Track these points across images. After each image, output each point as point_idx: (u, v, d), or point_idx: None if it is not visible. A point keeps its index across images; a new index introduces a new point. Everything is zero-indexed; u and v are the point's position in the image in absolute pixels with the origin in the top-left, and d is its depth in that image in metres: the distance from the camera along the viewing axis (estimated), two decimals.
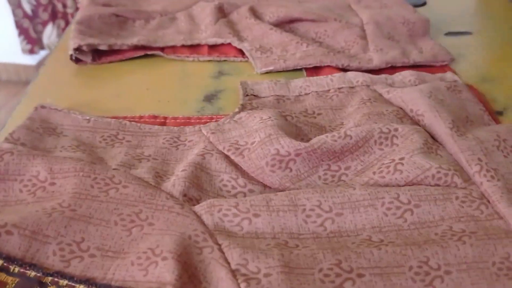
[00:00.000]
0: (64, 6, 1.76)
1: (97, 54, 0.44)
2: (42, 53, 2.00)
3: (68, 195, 0.26)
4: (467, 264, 0.23)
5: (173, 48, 0.46)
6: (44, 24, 1.85)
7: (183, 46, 0.46)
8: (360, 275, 0.23)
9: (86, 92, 0.41)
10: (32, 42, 1.89)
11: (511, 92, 0.41)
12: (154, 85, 0.42)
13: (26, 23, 1.84)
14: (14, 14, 1.80)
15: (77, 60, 0.44)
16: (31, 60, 1.99)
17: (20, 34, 1.85)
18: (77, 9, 1.75)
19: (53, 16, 1.84)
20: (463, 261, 0.24)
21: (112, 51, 0.45)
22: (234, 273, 0.22)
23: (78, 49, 0.43)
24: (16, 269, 0.23)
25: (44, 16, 1.83)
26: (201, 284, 0.22)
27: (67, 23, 1.79)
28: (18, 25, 1.83)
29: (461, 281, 0.23)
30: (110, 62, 0.44)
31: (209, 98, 0.40)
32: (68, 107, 0.36)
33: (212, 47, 0.46)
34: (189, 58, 0.45)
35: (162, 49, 0.46)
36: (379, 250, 0.24)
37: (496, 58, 0.47)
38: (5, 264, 0.23)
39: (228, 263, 0.23)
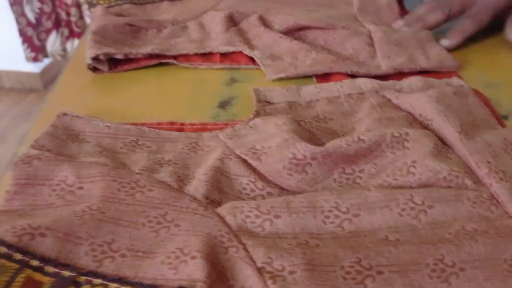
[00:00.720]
0: (68, 14, 1.78)
1: (113, 62, 0.46)
2: (46, 61, 2.02)
3: (96, 199, 0.27)
4: (480, 261, 0.25)
5: (186, 56, 0.47)
6: (48, 32, 1.87)
7: (195, 54, 0.47)
8: (379, 272, 0.24)
9: (103, 100, 0.42)
10: (36, 50, 1.90)
11: None
12: (169, 92, 0.43)
13: (29, 31, 1.86)
14: (18, 22, 1.82)
15: (94, 69, 0.45)
16: (34, 68, 2.01)
17: (23, 42, 1.87)
18: (81, 17, 1.77)
19: (57, 24, 1.86)
20: (476, 258, 0.25)
21: (127, 60, 0.46)
22: (260, 270, 0.23)
23: (95, 58, 0.44)
24: (51, 269, 0.24)
25: (48, 24, 1.85)
26: (228, 282, 0.24)
27: (71, 31, 1.81)
28: (22, 33, 1.85)
29: (475, 277, 0.24)
30: (126, 70, 0.46)
31: (223, 104, 0.41)
32: (88, 114, 0.37)
33: (224, 55, 0.48)
34: (202, 66, 0.47)
35: (175, 57, 0.47)
36: (396, 249, 0.25)
37: (500, 64, 0.48)
38: (40, 264, 0.24)
39: (254, 262, 0.24)
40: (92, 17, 0.54)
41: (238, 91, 0.43)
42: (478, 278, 0.24)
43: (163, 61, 0.47)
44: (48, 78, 2.10)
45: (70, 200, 0.28)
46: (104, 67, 0.45)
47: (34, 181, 0.29)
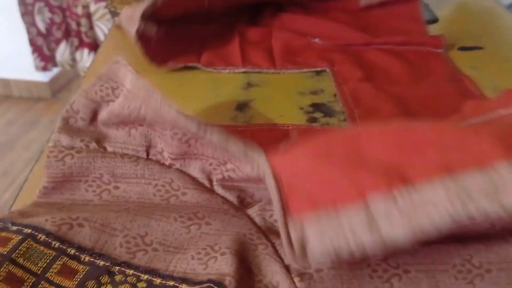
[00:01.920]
0: (78, 24, 1.80)
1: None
2: (55, 70, 2.04)
3: (133, 204, 0.28)
4: (507, 263, 0.25)
5: (209, 61, 0.49)
6: (58, 42, 1.90)
7: (218, 58, 0.49)
8: (406, 271, 0.24)
9: None
10: (46, 59, 1.93)
11: None
12: (188, 95, 0.45)
13: (40, 41, 1.88)
14: (28, 32, 1.85)
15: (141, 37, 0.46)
16: (43, 77, 2.03)
17: (34, 51, 1.89)
18: (91, 28, 1.80)
19: (67, 34, 1.89)
20: (504, 260, 0.25)
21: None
22: (287, 268, 0.24)
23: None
24: (87, 258, 0.25)
25: (58, 34, 1.88)
26: (257, 277, 0.24)
27: (81, 41, 1.84)
28: (32, 43, 1.87)
29: (499, 280, 0.24)
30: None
31: (241, 107, 0.43)
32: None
33: (244, 58, 0.49)
34: (225, 70, 0.48)
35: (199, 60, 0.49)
36: (423, 247, 0.25)
37: (506, 70, 0.50)
38: (76, 253, 0.25)
39: (281, 259, 0.25)
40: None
41: (255, 94, 0.45)
42: (501, 282, 0.24)
43: (189, 64, 0.48)
44: (56, 87, 2.13)
45: (107, 200, 0.29)
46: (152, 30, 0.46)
47: (69, 178, 0.30)
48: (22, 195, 0.34)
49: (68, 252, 0.25)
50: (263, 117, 0.41)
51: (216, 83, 0.46)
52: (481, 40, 0.56)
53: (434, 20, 0.61)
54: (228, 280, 0.23)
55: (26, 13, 1.81)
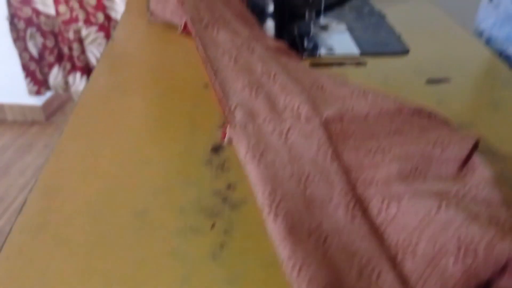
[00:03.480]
0: (70, 49, 1.83)
1: None
2: (48, 94, 2.07)
3: None
4: None
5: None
6: (50, 66, 1.92)
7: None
8: None
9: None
10: (38, 83, 1.95)
11: (484, 138, 0.45)
12: (166, 137, 0.47)
13: (32, 66, 1.91)
14: (21, 57, 1.87)
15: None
16: (36, 100, 2.06)
17: (26, 76, 1.91)
18: (83, 52, 1.82)
19: (59, 59, 1.91)
20: None
21: None
22: None
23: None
24: None
25: (50, 58, 1.90)
26: None
27: (73, 65, 1.86)
28: (25, 68, 1.89)
29: None
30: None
31: (216, 149, 0.45)
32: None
33: None
34: None
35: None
36: None
37: (472, 105, 0.52)
38: None
39: None
40: None
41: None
42: None
43: None
44: (50, 111, 2.15)
45: None
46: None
47: None
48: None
49: None
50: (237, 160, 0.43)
51: (193, 124, 0.49)
52: (450, 71, 0.58)
53: (406, 51, 0.64)
54: None
55: (18, 38, 1.84)
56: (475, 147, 0.36)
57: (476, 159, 0.35)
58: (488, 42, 0.67)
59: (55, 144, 0.46)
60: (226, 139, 0.34)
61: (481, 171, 0.33)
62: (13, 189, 1.73)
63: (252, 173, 0.31)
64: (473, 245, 0.26)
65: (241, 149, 0.32)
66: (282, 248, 0.25)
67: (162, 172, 0.42)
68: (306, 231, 0.27)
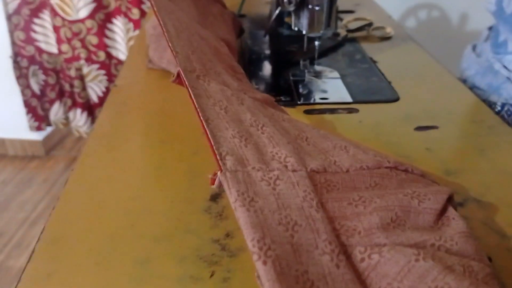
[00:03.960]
0: (71, 86, 1.88)
1: None
2: (48, 129, 2.10)
3: None
4: None
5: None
6: (51, 102, 1.96)
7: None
8: None
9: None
10: (39, 119, 1.99)
11: (470, 185, 0.48)
12: (165, 187, 0.49)
13: (34, 102, 1.95)
14: (23, 94, 1.91)
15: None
16: (37, 135, 2.09)
17: (28, 112, 1.95)
18: (84, 89, 1.87)
19: (60, 95, 1.95)
20: None
21: None
22: None
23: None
24: None
25: (52, 95, 1.95)
26: None
27: (74, 101, 1.90)
28: (27, 104, 1.94)
29: None
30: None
31: (215, 197, 0.47)
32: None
33: None
34: None
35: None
36: None
37: (459, 151, 0.54)
38: None
39: None
40: None
41: None
42: None
43: None
44: (50, 145, 2.18)
45: None
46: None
47: None
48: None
49: None
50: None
51: (192, 172, 0.51)
52: (438, 119, 0.61)
53: (396, 99, 0.67)
54: None
55: (21, 76, 1.88)
56: (449, 200, 0.38)
57: (451, 212, 0.37)
58: (471, 89, 0.71)
59: (61, 193, 0.48)
60: (215, 183, 0.36)
61: (455, 224, 0.36)
62: (13, 224, 1.74)
63: (241, 219, 0.33)
64: None
65: (231, 195, 0.34)
66: None
67: (163, 220, 0.44)
68: (293, 277, 0.29)
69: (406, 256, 0.31)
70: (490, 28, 0.80)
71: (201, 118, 0.40)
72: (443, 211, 0.38)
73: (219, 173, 0.36)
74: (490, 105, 0.69)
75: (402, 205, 0.36)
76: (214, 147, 0.38)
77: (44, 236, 0.42)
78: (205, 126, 0.39)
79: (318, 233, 0.33)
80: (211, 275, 0.38)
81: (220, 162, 0.37)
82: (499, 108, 0.73)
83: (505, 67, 0.71)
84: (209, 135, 0.39)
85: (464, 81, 0.80)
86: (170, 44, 0.47)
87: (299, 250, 0.31)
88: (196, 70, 0.46)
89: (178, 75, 0.44)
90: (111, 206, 0.46)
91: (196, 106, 0.40)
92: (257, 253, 0.29)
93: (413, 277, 0.30)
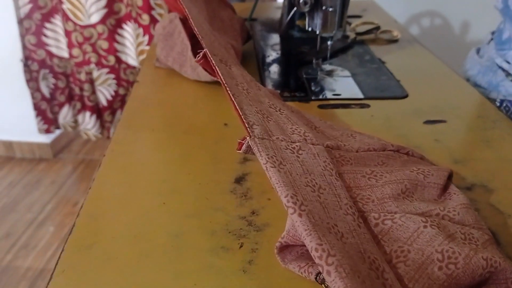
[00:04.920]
0: (81, 89, 1.91)
1: None
2: (57, 132, 2.13)
3: None
4: None
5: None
6: (61, 105, 2.00)
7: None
8: None
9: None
10: (49, 122, 2.02)
11: (476, 172, 0.51)
12: (192, 170, 0.52)
13: (44, 105, 1.98)
14: (33, 97, 1.95)
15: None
16: (45, 138, 2.12)
17: (37, 115, 1.99)
18: (93, 92, 1.90)
19: (70, 98, 1.99)
20: None
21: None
22: None
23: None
24: None
25: (61, 98, 1.98)
26: None
27: (83, 104, 1.94)
28: (36, 107, 1.97)
29: None
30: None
31: (239, 180, 0.50)
32: None
33: None
34: None
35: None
36: None
37: (466, 143, 0.58)
38: None
39: None
40: None
41: (250, 168, 0.52)
42: None
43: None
44: (57, 148, 2.21)
45: None
46: None
47: None
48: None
49: None
50: (259, 189, 0.48)
51: (216, 158, 0.54)
52: (445, 114, 0.64)
53: (405, 96, 0.70)
54: None
55: (31, 79, 1.92)
56: (450, 177, 0.42)
57: (453, 188, 0.41)
58: (473, 87, 0.74)
59: (95, 175, 0.51)
60: (243, 148, 0.40)
61: (457, 197, 0.39)
62: (20, 225, 1.77)
63: (273, 178, 0.36)
64: (453, 257, 0.32)
65: (262, 157, 0.37)
66: (309, 240, 0.30)
67: (192, 200, 0.47)
68: (326, 228, 0.32)
69: (415, 223, 0.35)
70: (493, 33, 0.84)
71: (229, 91, 0.43)
72: (445, 188, 0.41)
73: (248, 138, 0.39)
74: (490, 102, 0.73)
75: (410, 178, 0.40)
76: (242, 116, 0.41)
77: (82, 212, 0.45)
78: (233, 99, 0.42)
79: (340, 198, 0.36)
80: (240, 246, 0.41)
81: (248, 129, 0.40)
82: (498, 104, 0.77)
83: (508, 62, 0.75)
84: (237, 106, 0.42)
85: (466, 80, 0.83)
86: (195, 28, 0.51)
87: (327, 207, 0.34)
88: (219, 55, 0.49)
89: (204, 55, 0.47)
90: (142, 187, 0.49)
91: (224, 81, 0.43)
92: (292, 207, 0.33)
93: (422, 242, 0.34)
